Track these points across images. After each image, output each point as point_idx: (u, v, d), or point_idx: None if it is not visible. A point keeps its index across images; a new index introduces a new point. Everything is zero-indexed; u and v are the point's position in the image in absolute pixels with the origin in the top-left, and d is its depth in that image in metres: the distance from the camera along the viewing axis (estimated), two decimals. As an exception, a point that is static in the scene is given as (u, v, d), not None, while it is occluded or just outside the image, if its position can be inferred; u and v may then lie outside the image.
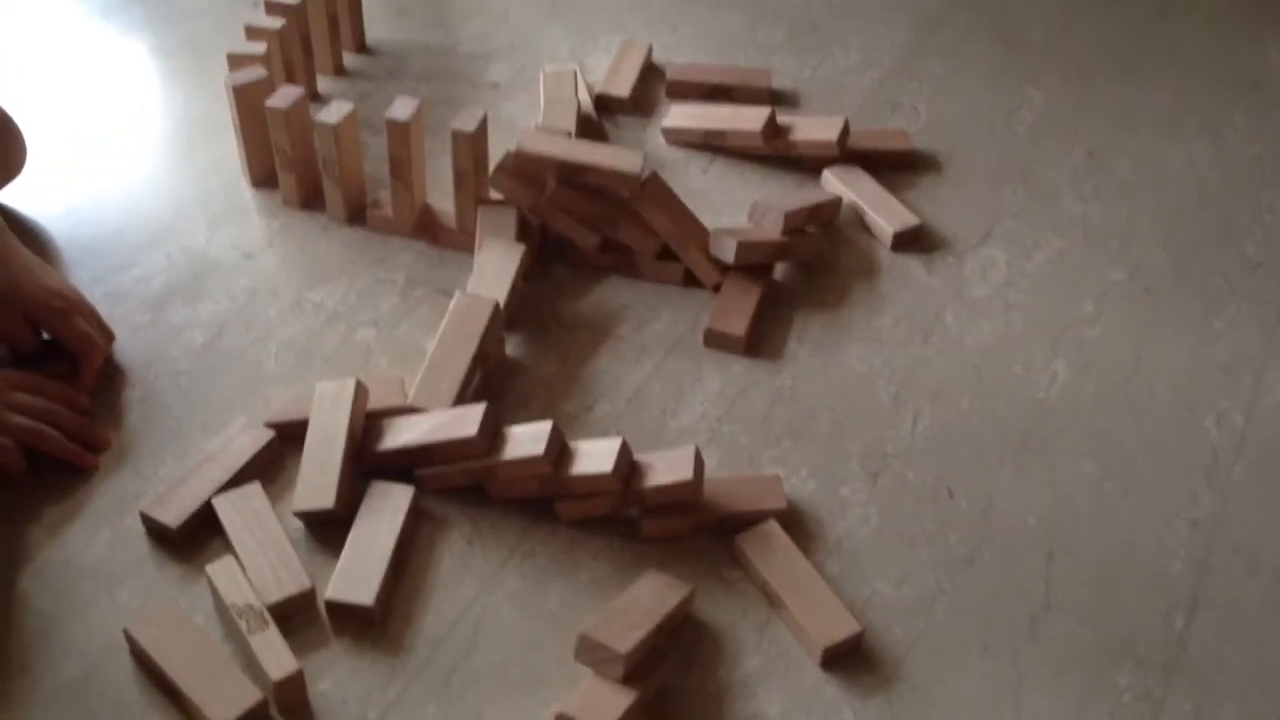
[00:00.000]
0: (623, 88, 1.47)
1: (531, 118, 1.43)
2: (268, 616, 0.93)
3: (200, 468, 1.04)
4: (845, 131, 1.37)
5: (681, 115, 1.44)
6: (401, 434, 1.05)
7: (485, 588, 0.99)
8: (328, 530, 1.01)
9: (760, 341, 1.21)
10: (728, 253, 1.22)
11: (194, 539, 1.00)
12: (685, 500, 1.02)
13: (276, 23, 1.37)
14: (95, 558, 1.00)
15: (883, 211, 1.32)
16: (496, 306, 1.13)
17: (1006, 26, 1.63)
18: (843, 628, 0.96)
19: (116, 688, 0.91)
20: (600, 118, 1.45)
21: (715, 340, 1.20)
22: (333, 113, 1.23)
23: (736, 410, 1.14)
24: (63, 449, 1.05)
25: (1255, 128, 1.49)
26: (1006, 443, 1.12)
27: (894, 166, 1.40)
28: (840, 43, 1.59)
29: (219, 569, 0.96)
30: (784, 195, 1.32)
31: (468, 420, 1.03)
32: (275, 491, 1.04)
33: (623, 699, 0.90)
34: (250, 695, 0.89)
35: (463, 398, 1.08)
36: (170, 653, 0.91)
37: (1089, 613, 1.00)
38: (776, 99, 1.49)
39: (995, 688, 0.94)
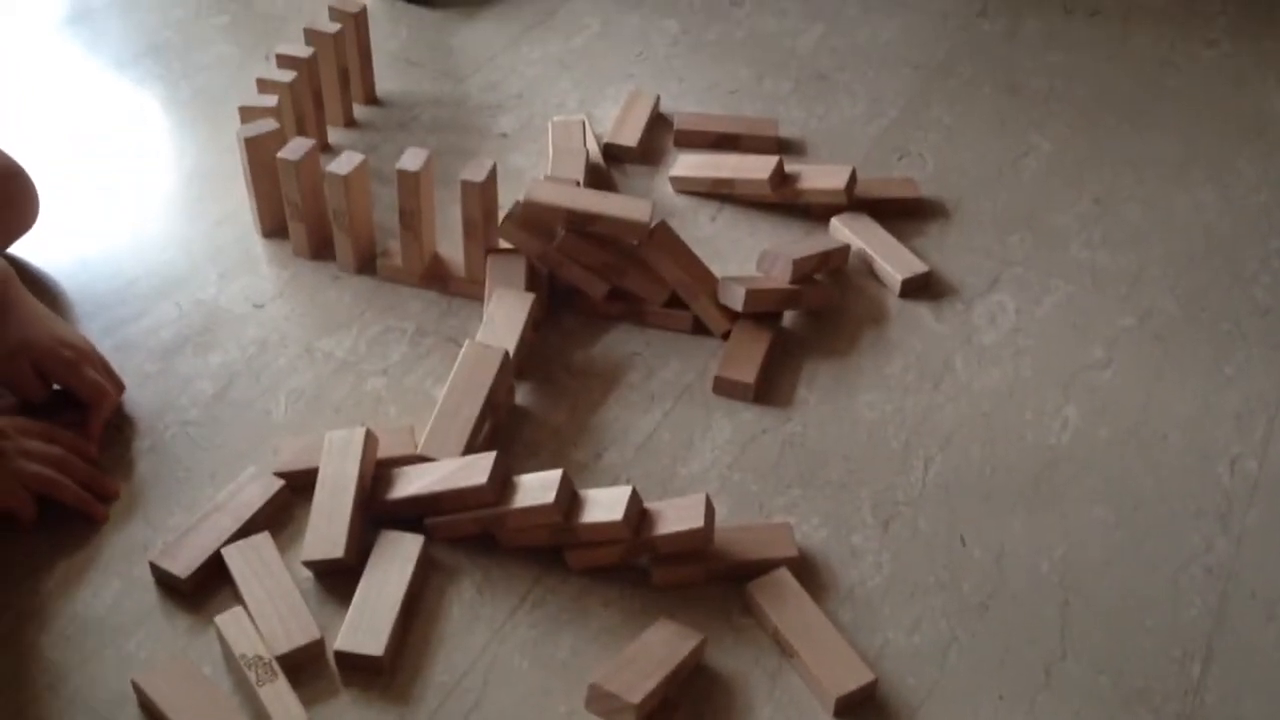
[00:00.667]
0: (631, 137, 1.48)
1: (540, 167, 1.44)
2: (277, 667, 0.92)
3: (209, 517, 1.04)
4: (853, 180, 1.38)
5: (689, 164, 1.45)
6: (411, 483, 1.05)
7: (495, 637, 0.99)
8: (337, 580, 1.01)
9: (770, 389, 1.20)
10: (736, 300, 1.22)
11: (203, 589, 1.00)
12: (696, 548, 1.02)
13: (288, 76, 1.38)
14: (104, 608, 0.99)
15: (891, 259, 1.33)
16: (506, 355, 1.13)
17: (1011, 75, 1.64)
18: (856, 677, 0.95)
19: (124, 740, 0.91)
20: (608, 167, 1.46)
21: (725, 388, 1.20)
22: (343, 164, 1.24)
23: (747, 458, 1.14)
24: (76, 497, 1.05)
25: (1261, 174, 1.49)
26: (1018, 489, 1.12)
27: (902, 214, 1.40)
28: (846, 92, 1.60)
29: (228, 620, 0.95)
30: (792, 243, 1.32)
31: (477, 469, 1.02)
32: (284, 541, 1.04)
33: (634, 750, 0.89)
34: (259, 747, 0.88)
35: (472, 446, 1.08)
36: (179, 705, 0.90)
37: (1105, 660, 0.99)
38: (784, 148, 1.50)
39: (1011, 737, 0.94)
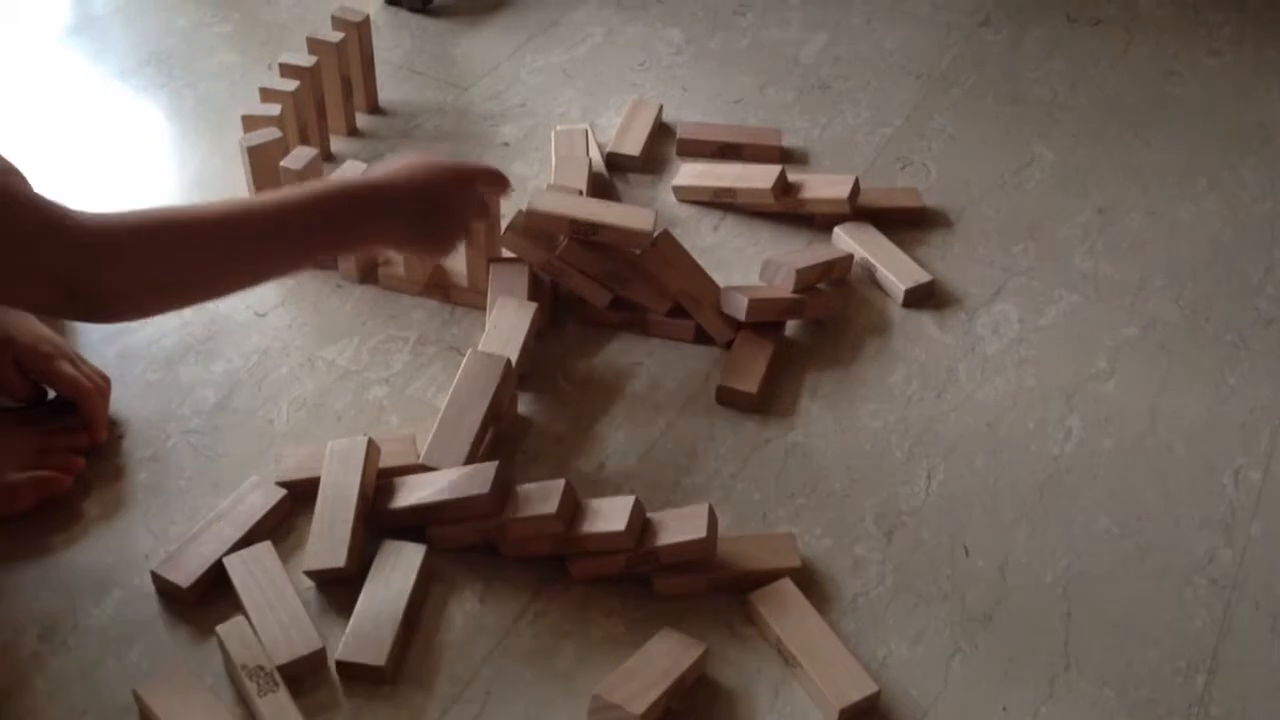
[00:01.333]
0: (634, 146, 1.48)
1: (543, 176, 1.44)
2: (278, 678, 0.92)
3: (211, 527, 1.04)
4: (856, 189, 1.38)
5: (692, 173, 1.45)
6: (413, 493, 1.05)
7: (498, 647, 0.99)
8: (339, 589, 1.01)
9: (773, 399, 1.20)
10: (739, 310, 1.22)
11: (205, 599, 1.00)
12: (699, 558, 1.02)
13: (291, 85, 1.38)
14: (105, 618, 0.99)
15: (894, 268, 1.32)
16: (508, 364, 1.12)
17: (1015, 85, 1.64)
18: (859, 688, 0.95)
19: (125, 750, 0.91)
20: (611, 176, 1.46)
21: (728, 397, 1.19)
22: (345, 173, 1.24)
23: (749, 468, 1.14)
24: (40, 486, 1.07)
25: (1266, 184, 1.49)
26: (1022, 500, 1.12)
27: (905, 224, 1.40)
28: (850, 101, 1.60)
29: (230, 629, 0.95)
30: (795, 253, 1.32)
31: (480, 478, 1.02)
32: (286, 550, 1.04)
33: (637, 761, 0.89)
34: (260, 758, 0.88)
35: (475, 456, 1.08)
36: (180, 715, 0.90)
37: (1109, 672, 0.99)
38: (787, 157, 1.50)
39: (1015, 749, 0.93)
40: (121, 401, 1.16)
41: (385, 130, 1.52)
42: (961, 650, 1.00)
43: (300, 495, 1.07)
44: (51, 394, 1.13)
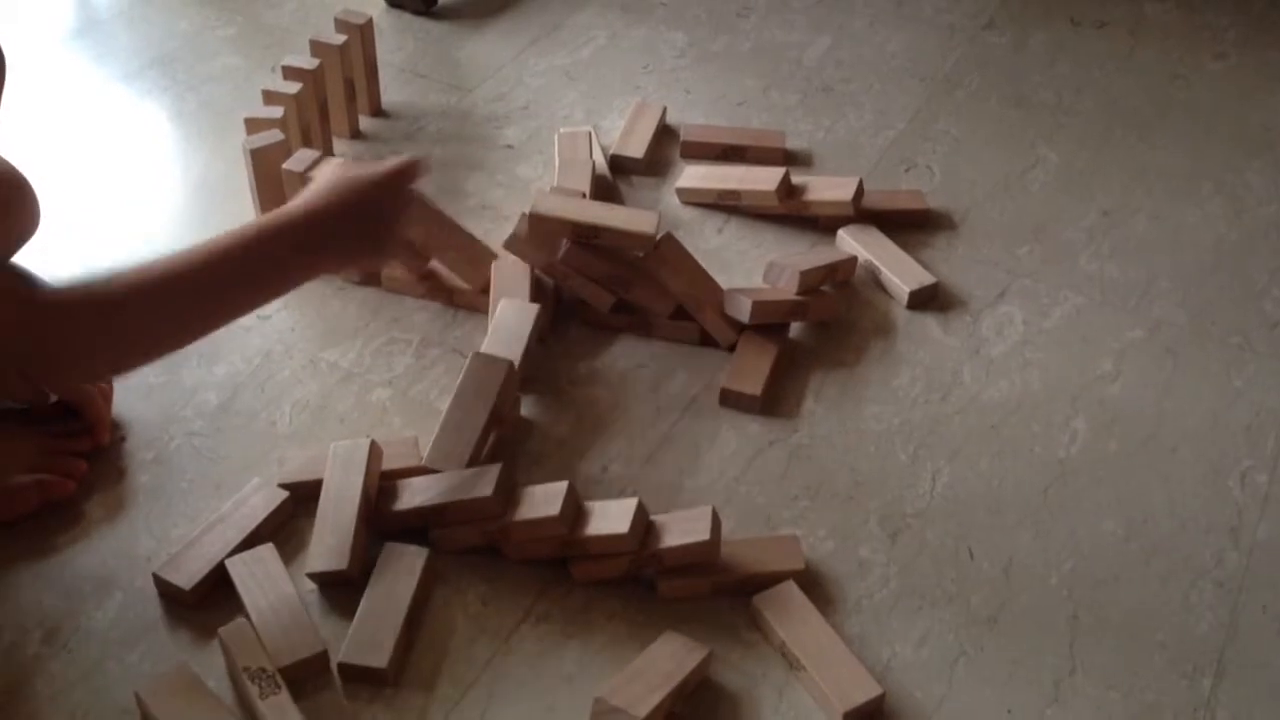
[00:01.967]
0: (637, 149, 1.48)
1: (546, 179, 1.44)
2: (280, 680, 0.92)
3: (213, 529, 1.03)
4: (860, 191, 1.37)
5: (696, 176, 1.44)
6: (416, 495, 1.04)
7: (500, 650, 0.98)
8: (341, 592, 1.00)
9: (776, 401, 1.20)
10: (743, 312, 1.22)
11: (207, 601, 1.00)
12: (702, 561, 1.01)
13: (294, 87, 1.38)
14: (107, 620, 0.99)
15: (898, 270, 1.32)
16: (511, 367, 1.12)
17: (1019, 87, 1.64)
18: (863, 690, 0.94)
19: (126, 753, 0.90)
20: (615, 179, 1.46)
21: (731, 400, 1.19)
22: (323, 169, 1.23)
23: (753, 470, 1.13)
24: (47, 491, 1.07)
25: (1271, 187, 1.49)
26: (1027, 502, 1.11)
27: (909, 226, 1.40)
28: (853, 104, 1.60)
29: (231, 631, 0.95)
30: (799, 255, 1.32)
31: (483, 481, 1.02)
32: (289, 553, 1.03)
33: (640, 764, 0.88)
34: (261, 760, 0.87)
35: (477, 458, 1.07)
36: (182, 718, 0.90)
37: (1114, 675, 0.98)
38: (790, 159, 1.50)
39: (1020, 752, 0.93)
40: (124, 404, 1.15)
41: (388, 133, 1.52)
42: (966, 653, 0.99)
43: (302, 497, 1.06)
44: (54, 397, 1.13)
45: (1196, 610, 1.03)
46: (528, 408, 1.18)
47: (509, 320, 1.19)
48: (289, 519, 1.06)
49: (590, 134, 1.48)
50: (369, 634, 0.96)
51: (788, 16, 1.76)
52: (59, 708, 0.93)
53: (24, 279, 0.90)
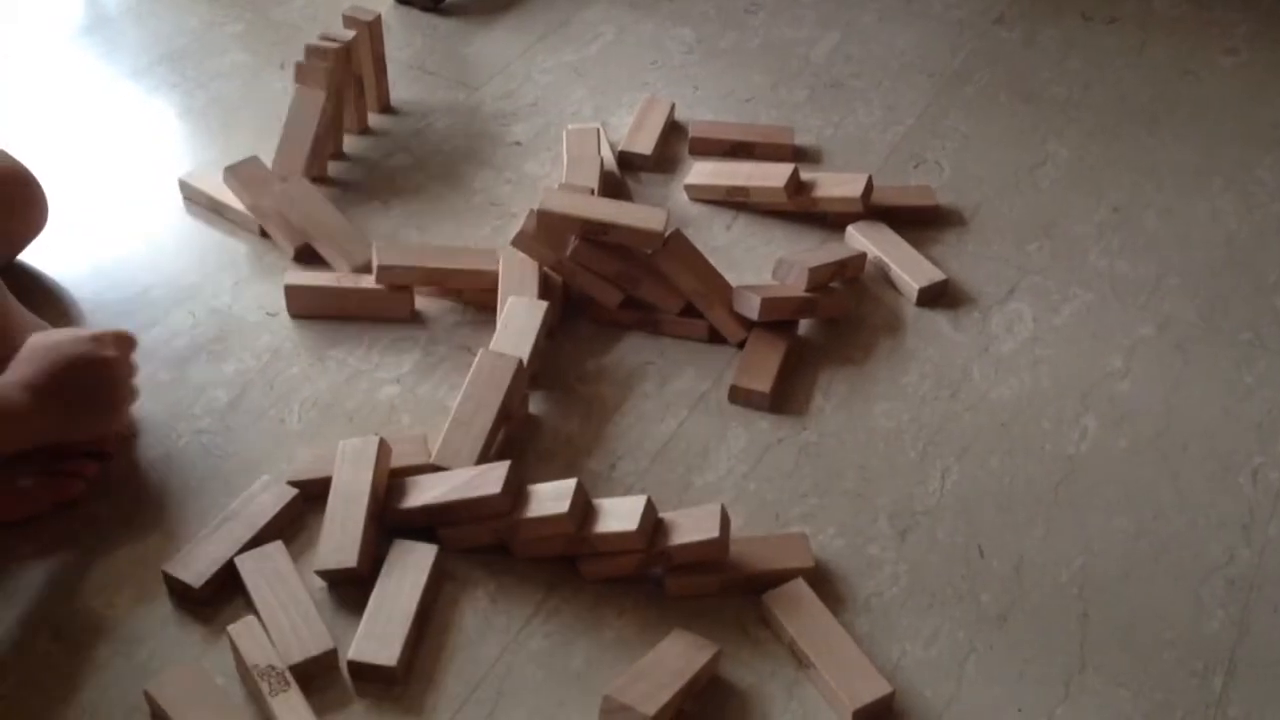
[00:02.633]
0: (646, 145, 1.47)
1: (554, 176, 1.44)
2: (289, 677, 0.92)
3: (222, 526, 1.03)
4: (869, 188, 1.37)
5: (704, 172, 1.44)
6: (425, 492, 1.04)
7: (509, 647, 0.98)
8: (350, 589, 1.00)
9: (785, 398, 1.20)
10: (752, 309, 1.22)
11: (216, 598, 1.00)
12: (711, 558, 1.01)
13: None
14: (117, 617, 0.99)
15: (908, 267, 1.32)
16: (520, 364, 1.12)
17: (1029, 83, 1.63)
18: (873, 688, 0.94)
19: (136, 750, 0.90)
20: (623, 175, 1.46)
21: (740, 397, 1.19)
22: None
23: (762, 467, 1.13)
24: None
25: (1282, 182, 1.48)
26: (1037, 499, 1.11)
27: (918, 222, 1.39)
28: (862, 100, 1.59)
29: (241, 629, 0.95)
30: (808, 251, 1.31)
31: (491, 478, 1.02)
32: (298, 550, 1.03)
33: (649, 762, 0.88)
34: (271, 758, 0.87)
35: (486, 456, 1.07)
36: (191, 715, 0.90)
37: (1125, 673, 0.98)
38: (799, 156, 1.49)
39: (1030, 751, 0.93)
40: (133, 401, 1.16)
41: (397, 129, 1.52)
42: (976, 651, 0.99)
43: (311, 495, 1.06)
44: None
45: (1208, 608, 1.03)
46: (536, 405, 1.18)
47: (517, 317, 1.19)
48: (298, 516, 1.06)
49: (598, 130, 1.48)
50: (378, 631, 0.96)
51: (796, 12, 1.76)
52: (69, 705, 0.93)
53: None
